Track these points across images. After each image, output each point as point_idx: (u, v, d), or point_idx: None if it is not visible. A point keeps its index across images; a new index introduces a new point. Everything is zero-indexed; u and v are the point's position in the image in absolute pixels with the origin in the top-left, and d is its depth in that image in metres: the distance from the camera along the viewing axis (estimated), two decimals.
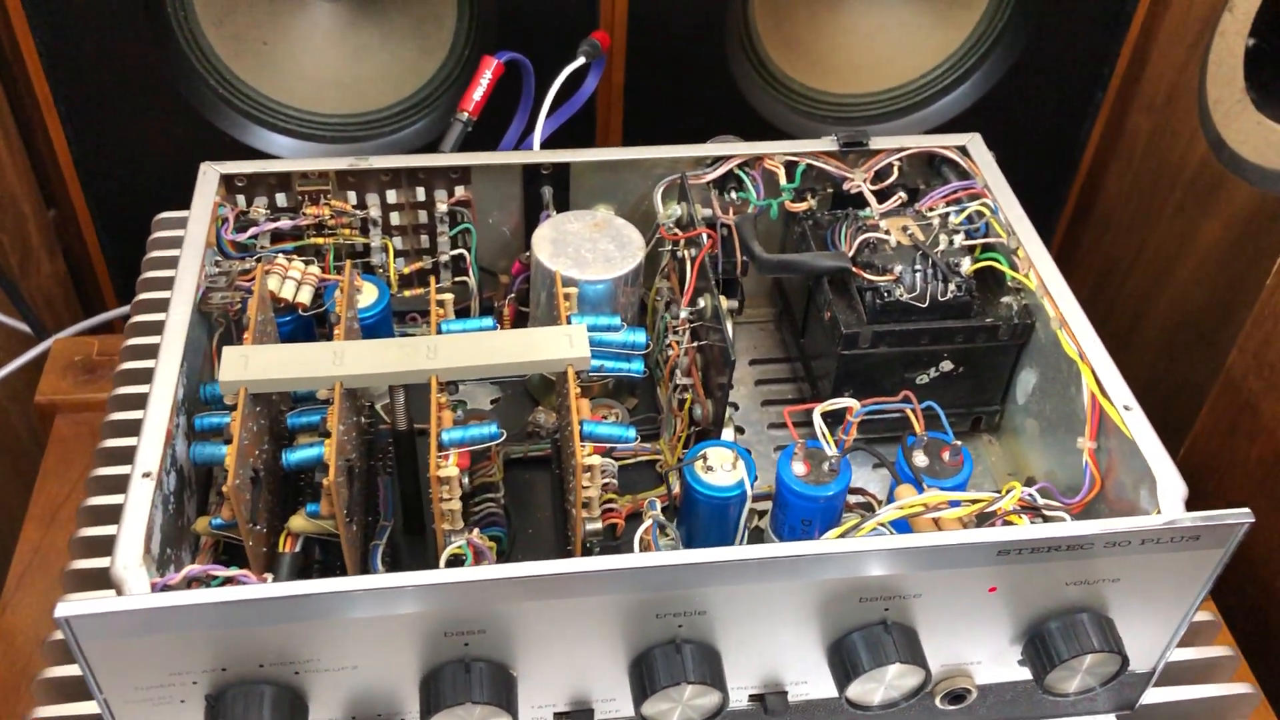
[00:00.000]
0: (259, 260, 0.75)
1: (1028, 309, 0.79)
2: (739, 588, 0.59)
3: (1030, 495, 0.66)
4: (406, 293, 0.85)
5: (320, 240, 0.82)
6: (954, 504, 0.66)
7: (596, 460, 0.65)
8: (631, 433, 0.67)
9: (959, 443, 0.72)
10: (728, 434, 0.78)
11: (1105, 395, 0.68)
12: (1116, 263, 1.47)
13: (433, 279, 0.77)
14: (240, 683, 0.58)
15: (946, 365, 0.80)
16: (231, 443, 0.63)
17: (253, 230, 0.80)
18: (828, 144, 0.85)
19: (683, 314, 0.76)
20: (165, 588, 0.58)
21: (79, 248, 1.33)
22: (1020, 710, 0.70)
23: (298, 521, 0.66)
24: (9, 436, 1.28)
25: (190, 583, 0.58)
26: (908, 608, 0.62)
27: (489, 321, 0.72)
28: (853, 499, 0.75)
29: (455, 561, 0.63)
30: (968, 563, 0.59)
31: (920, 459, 0.72)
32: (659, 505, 0.68)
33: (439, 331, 0.71)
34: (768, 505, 0.74)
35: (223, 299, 0.75)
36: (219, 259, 0.78)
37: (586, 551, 0.70)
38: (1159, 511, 0.62)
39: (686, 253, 0.79)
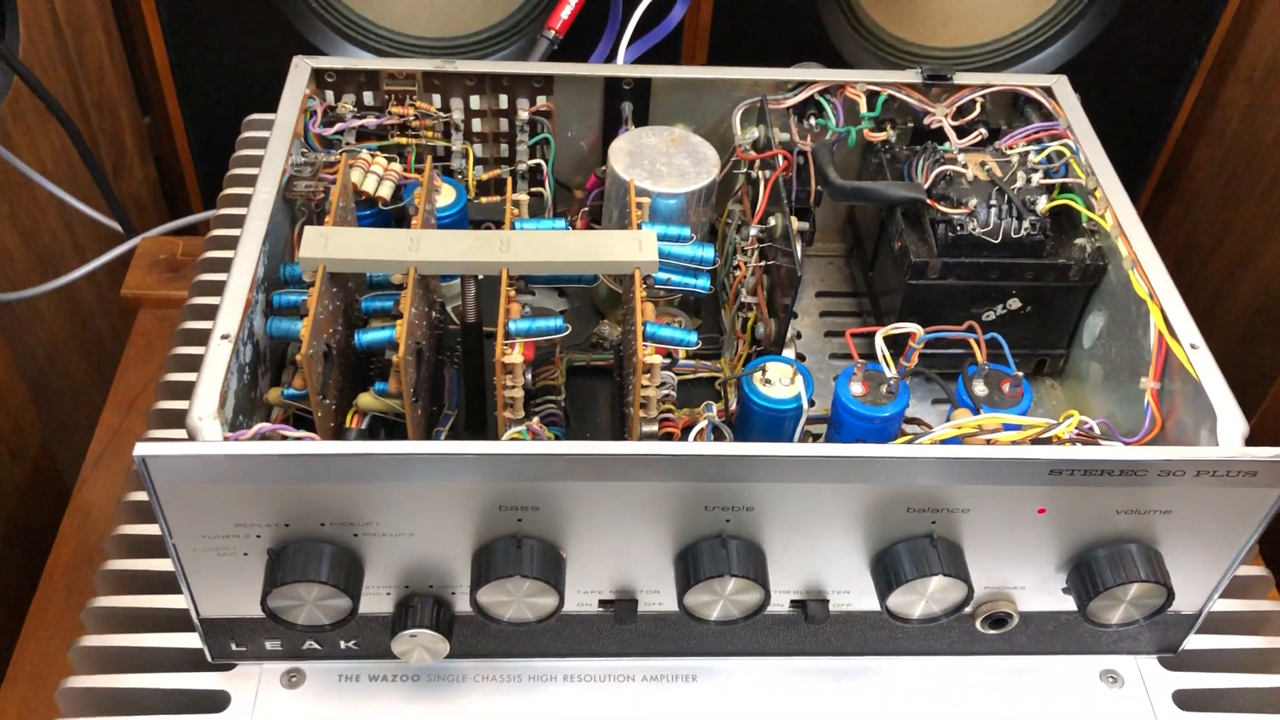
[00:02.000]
0: (344, 154, 0.77)
1: (1101, 251, 0.78)
2: (786, 486, 0.60)
3: (1090, 425, 0.66)
4: (483, 199, 0.87)
5: (403, 140, 0.84)
6: (1009, 428, 0.66)
7: (658, 359, 0.66)
8: (693, 337, 0.68)
9: (1020, 374, 0.71)
10: (790, 354, 0.78)
11: (1173, 334, 0.68)
12: (1198, 242, 1.45)
13: (509, 182, 0.79)
14: (301, 539, 0.60)
15: (1014, 303, 0.80)
16: (308, 316, 0.65)
17: (339, 125, 0.82)
18: (911, 76, 0.85)
19: (753, 231, 0.77)
20: (238, 440, 0.60)
21: (170, 154, 1.37)
22: (1060, 644, 0.70)
23: (366, 399, 0.68)
24: (93, 329, 1.33)
25: (261, 439, 0.61)
26: (955, 523, 0.62)
27: (561, 223, 0.73)
28: (910, 429, 0.75)
29: None
30: (1018, 479, 0.60)
31: (980, 388, 0.72)
32: (716, 406, 0.69)
33: (513, 229, 0.72)
34: (824, 430, 0.74)
35: (306, 188, 0.77)
36: (305, 150, 0.81)
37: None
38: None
39: (761, 174, 0.80)
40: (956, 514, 0.62)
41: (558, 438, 0.76)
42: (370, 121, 0.83)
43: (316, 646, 0.67)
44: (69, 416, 1.27)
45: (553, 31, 0.95)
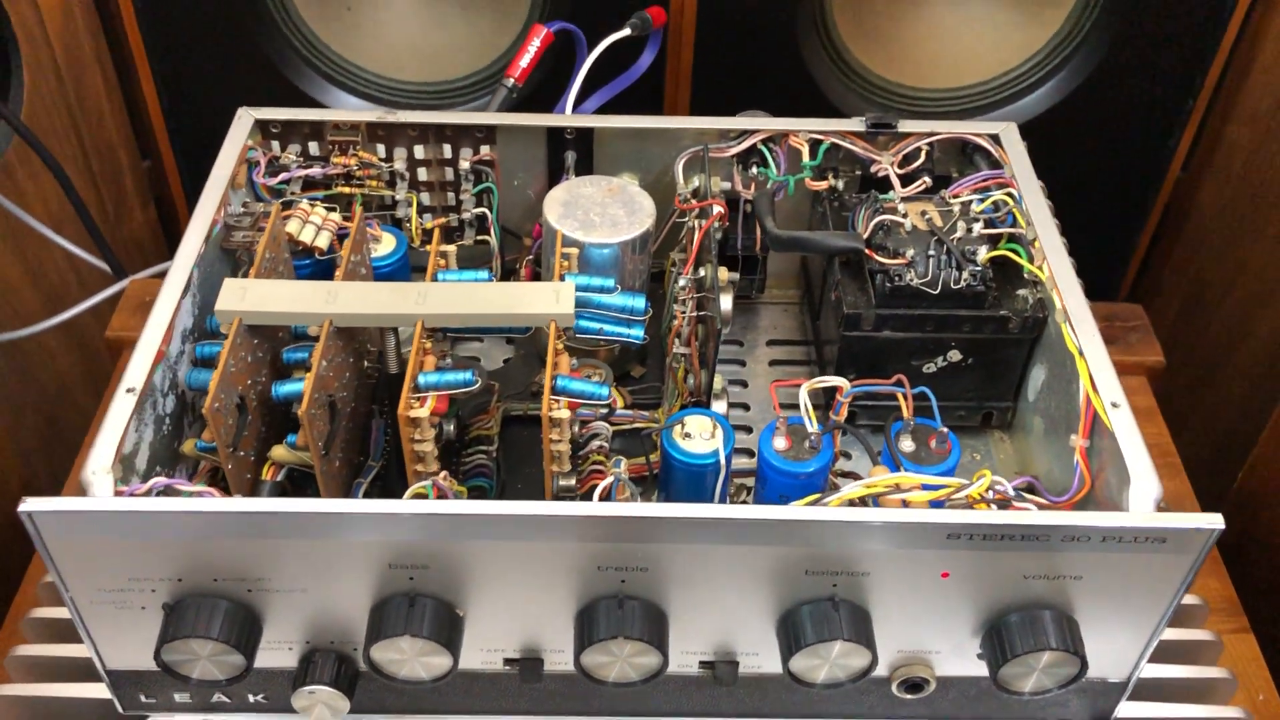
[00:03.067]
0: (278, 204, 0.78)
1: (1042, 303, 0.76)
2: (678, 547, 0.59)
3: (1004, 486, 0.64)
4: (428, 247, 0.87)
5: (348, 190, 0.84)
6: (927, 487, 0.65)
7: (565, 414, 0.66)
8: (605, 391, 0.68)
9: (946, 429, 0.70)
10: (720, 407, 0.77)
11: (1095, 390, 0.66)
12: (1208, 284, 1.41)
13: (436, 233, 0.78)
14: (195, 594, 0.61)
15: (955, 355, 0.79)
16: (217, 368, 0.65)
17: (284, 175, 0.83)
18: (856, 124, 0.84)
19: (682, 281, 0.76)
20: (131, 496, 0.60)
21: (168, 197, 1.40)
22: (985, 709, 0.68)
23: (279, 451, 0.69)
24: (101, 366, 1.35)
25: (156, 494, 0.61)
26: (857, 585, 0.61)
27: (484, 274, 0.73)
28: (843, 482, 0.74)
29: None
30: (915, 543, 0.58)
31: (906, 444, 0.70)
32: (624, 464, 0.68)
33: (434, 280, 0.72)
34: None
35: (244, 238, 0.78)
36: (248, 201, 0.82)
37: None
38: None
39: (697, 223, 0.79)
40: (858, 577, 0.60)
41: (484, 490, 0.76)
42: (315, 171, 0.83)
43: (225, 700, 0.67)
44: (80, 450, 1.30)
45: (511, 80, 0.96)
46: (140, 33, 1.21)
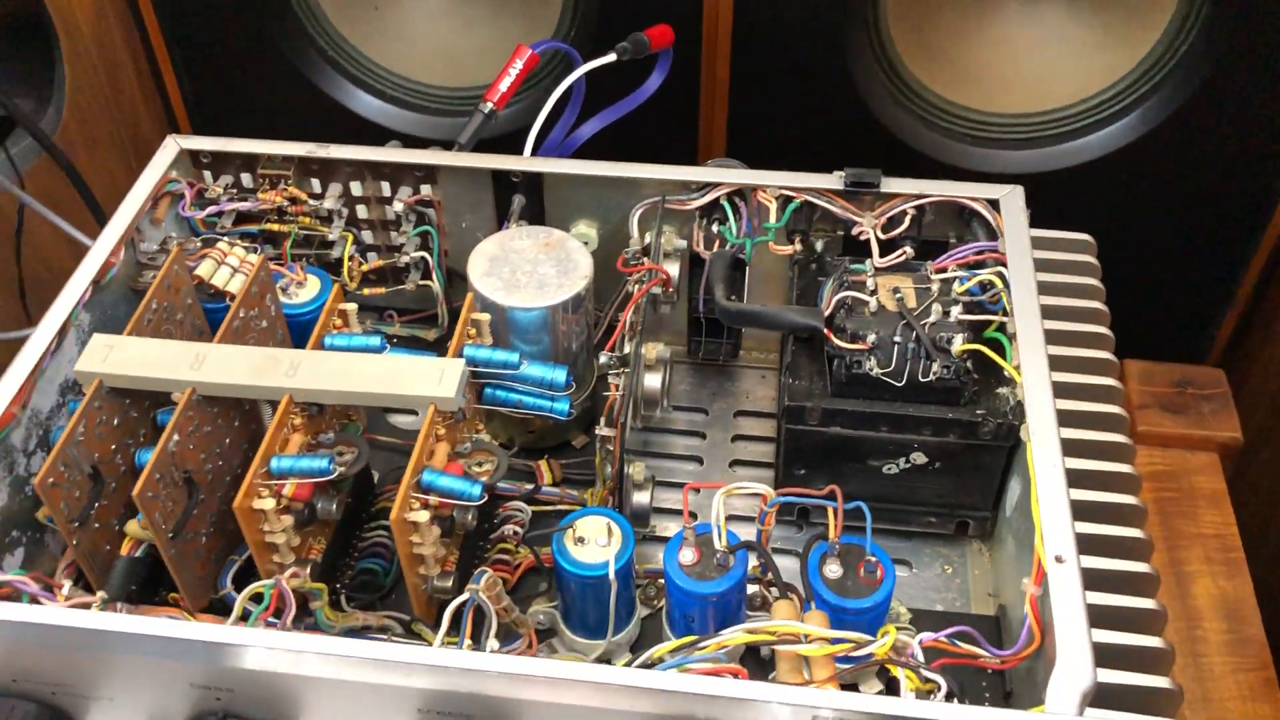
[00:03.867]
0: (179, 244, 0.72)
1: (1022, 407, 0.65)
2: (506, 701, 0.51)
3: (913, 645, 0.54)
4: (366, 290, 0.81)
5: (278, 227, 0.78)
6: (836, 640, 0.55)
7: (422, 516, 0.58)
8: (476, 490, 0.60)
9: (874, 558, 0.60)
10: (642, 497, 0.69)
11: (1042, 537, 0.55)
12: None
13: (335, 289, 0.70)
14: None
15: (919, 458, 0.68)
16: (62, 436, 0.60)
17: (212, 209, 0.77)
18: (834, 181, 0.74)
19: (602, 359, 0.67)
20: None
21: None
22: None
23: (131, 526, 0.63)
24: None
25: None
26: None
27: (376, 342, 0.66)
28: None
29: (254, 602, 0.58)
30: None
31: (832, 570, 0.60)
32: (485, 578, 0.60)
33: (321, 346, 0.66)
34: None
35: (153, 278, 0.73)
36: (173, 236, 0.76)
37: (430, 604, 0.63)
38: (1040, 702, 0.49)
39: (637, 287, 0.70)
40: None
41: (375, 573, 0.69)
42: (247, 205, 0.78)
43: None
44: None
45: (490, 104, 0.88)
46: (162, 30, 1.19)
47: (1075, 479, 0.71)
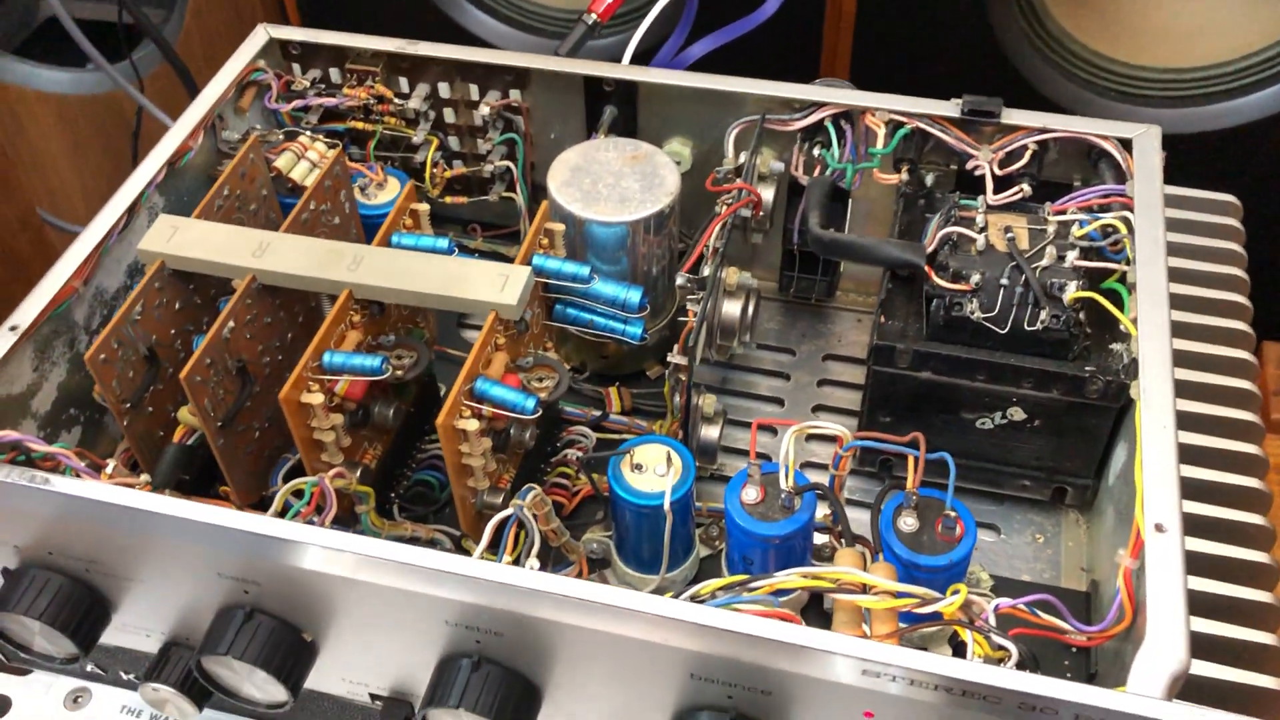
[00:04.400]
0: (256, 135, 0.70)
1: (1136, 364, 0.59)
2: (544, 622, 0.47)
3: (987, 610, 0.49)
4: (449, 199, 0.78)
5: (363, 125, 0.76)
6: (900, 593, 0.50)
7: (473, 425, 0.55)
8: (531, 403, 0.56)
9: (954, 513, 0.55)
10: (711, 431, 0.65)
11: (1142, 504, 0.49)
12: None
13: (409, 188, 0.67)
14: (36, 564, 0.55)
15: (1017, 414, 0.62)
16: (118, 312, 0.58)
17: (298, 102, 0.75)
18: (950, 108, 0.68)
19: (680, 279, 0.63)
20: None
21: None
22: None
23: (183, 412, 0.62)
24: None
25: (11, 449, 0.55)
26: (757, 702, 0.47)
27: (444, 244, 0.63)
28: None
29: (296, 497, 0.56)
30: (822, 671, 0.45)
31: (907, 522, 0.56)
32: (531, 495, 0.57)
33: (388, 244, 0.63)
34: None
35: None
36: (256, 127, 0.74)
37: (480, 520, 0.60)
38: (1124, 683, 0.44)
39: (724, 208, 0.66)
40: (755, 694, 0.47)
41: (431, 487, 0.66)
42: (334, 101, 0.75)
43: (99, 671, 0.62)
44: None
45: (594, 16, 0.83)
46: None
47: (1193, 455, 0.64)
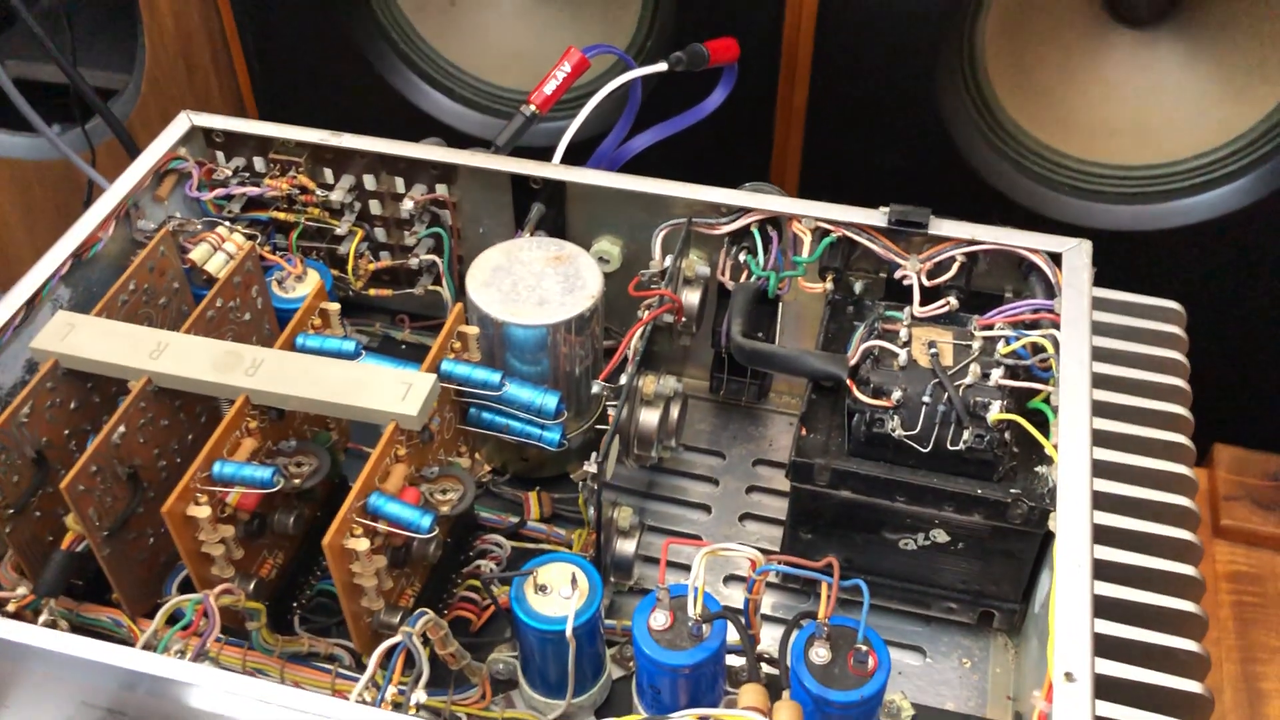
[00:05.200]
0: (167, 225, 0.68)
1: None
2: None
3: None
4: (373, 291, 0.76)
5: (285, 216, 0.74)
6: None
7: (362, 545, 0.53)
8: (428, 521, 0.54)
9: (866, 646, 0.52)
10: (627, 545, 0.62)
11: (1052, 648, 0.47)
12: None
13: (317, 285, 0.64)
14: None
15: (940, 536, 0.60)
16: (7, 410, 0.56)
17: (220, 191, 0.74)
18: (878, 217, 0.66)
19: (595, 388, 0.61)
20: None
21: None
22: None
23: (71, 519, 0.59)
24: None
25: None
26: None
27: (351, 346, 0.61)
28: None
29: (172, 619, 0.53)
30: None
31: (819, 654, 0.53)
32: (421, 621, 0.54)
33: (294, 347, 0.61)
34: None
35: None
36: (174, 216, 0.73)
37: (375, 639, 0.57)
38: None
39: (646, 312, 0.64)
40: None
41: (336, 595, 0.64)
42: (255, 190, 0.73)
43: None
44: None
45: (532, 107, 0.82)
46: (235, 12, 1.17)
47: (1126, 575, 0.62)
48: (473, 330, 0.62)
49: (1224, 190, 1.03)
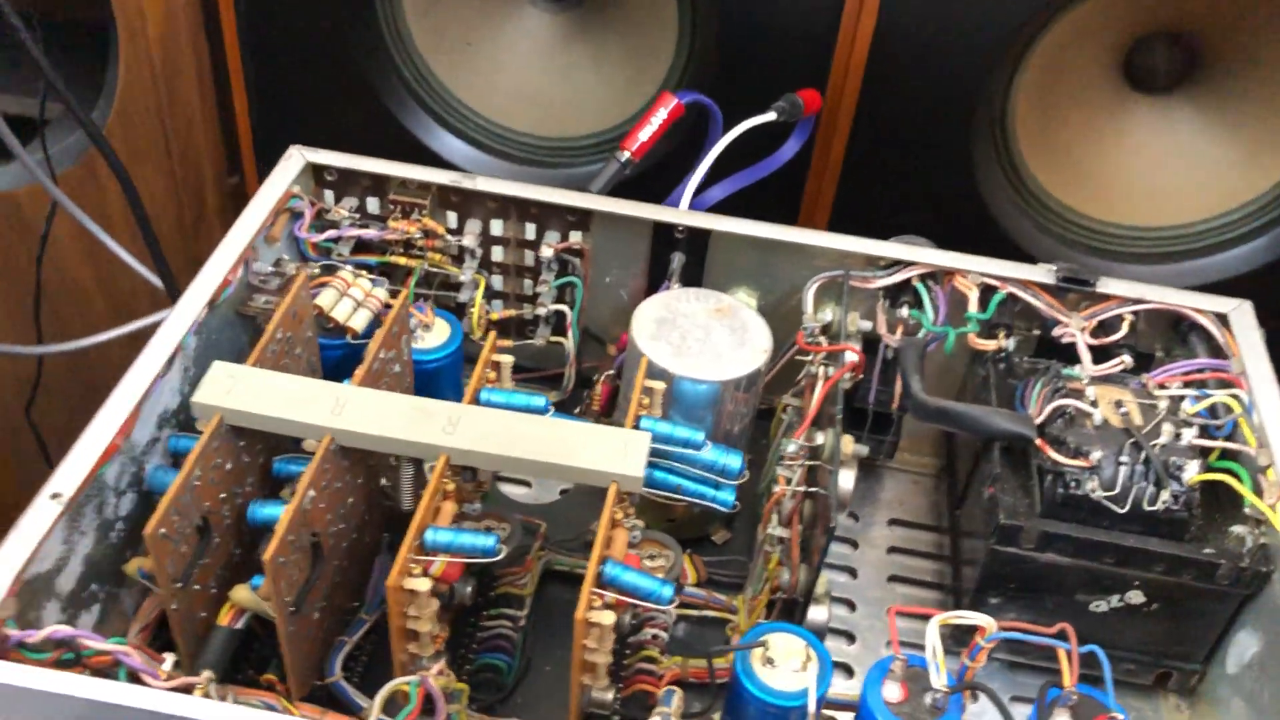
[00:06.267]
0: (302, 269, 0.63)
1: (1266, 551, 0.57)
2: None
3: None
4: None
5: (405, 260, 0.69)
6: None
7: (607, 619, 0.49)
8: (668, 591, 0.51)
9: (1117, 718, 0.51)
10: (819, 615, 0.60)
11: None
12: None
13: (491, 337, 0.60)
14: None
15: (1136, 597, 0.60)
16: (176, 480, 0.50)
17: (331, 233, 0.69)
18: (1042, 273, 0.66)
19: (791, 448, 0.59)
20: (20, 645, 0.45)
21: None
22: None
23: (240, 593, 0.53)
24: None
25: (56, 646, 0.46)
26: None
27: (541, 402, 0.57)
28: None
29: (392, 706, 0.48)
30: None
31: None
32: (675, 699, 0.51)
33: (476, 401, 0.57)
34: None
35: (266, 304, 0.64)
36: (285, 259, 0.67)
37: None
38: None
39: (822, 370, 0.62)
40: None
41: (499, 670, 0.59)
42: (370, 234, 0.69)
43: None
44: None
45: (626, 154, 0.80)
46: (240, 40, 1.10)
47: None
48: (659, 385, 0.59)
49: (1237, 252, 1.07)
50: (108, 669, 0.46)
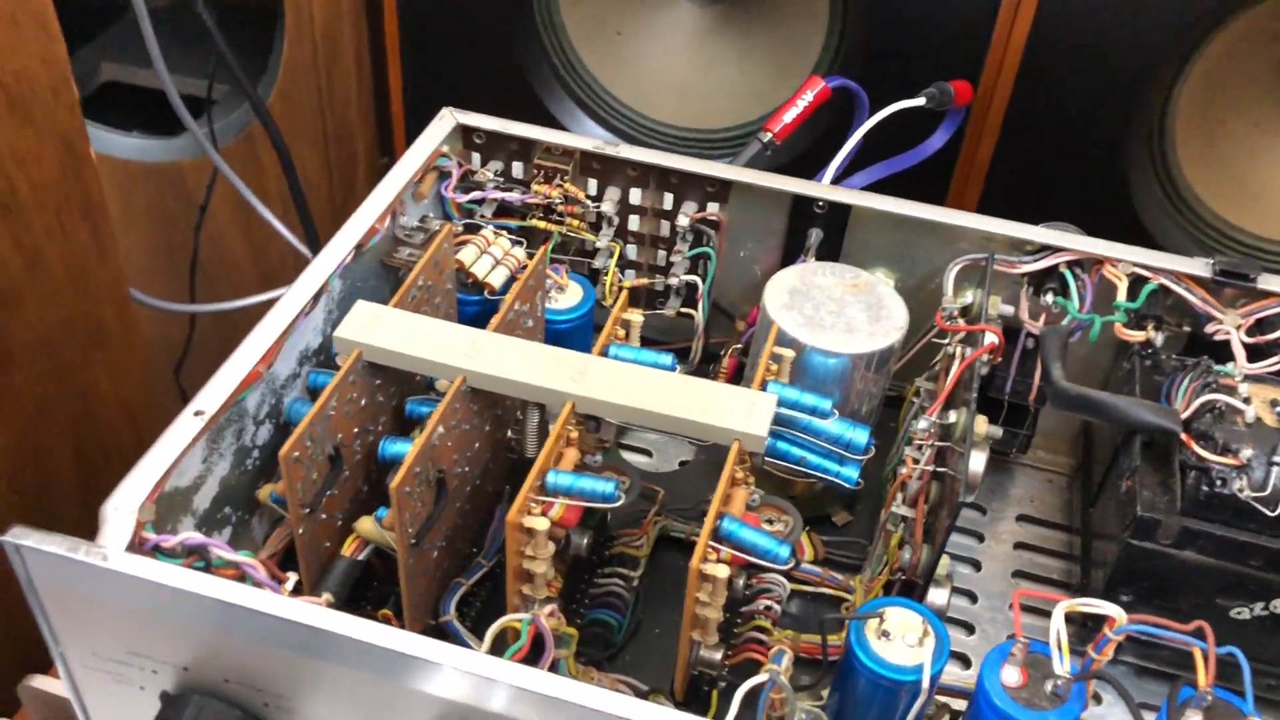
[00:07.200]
0: (449, 225, 0.64)
1: None
2: None
3: None
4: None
5: (544, 225, 0.70)
6: None
7: (721, 572, 0.48)
8: (784, 551, 0.50)
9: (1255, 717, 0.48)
10: (939, 597, 0.58)
11: None
12: None
13: (623, 295, 0.61)
14: (200, 691, 0.47)
15: None
16: (313, 408, 0.52)
17: (476, 194, 0.70)
18: (1198, 266, 0.63)
19: (923, 423, 0.57)
20: (155, 548, 0.47)
21: None
22: None
23: (365, 524, 0.55)
24: None
25: (188, 553, 0.48)
26: None
27: (668, 360, 0.57)
28: None
29: (499, 642, 0.49)
30: None
31: None
32: (786, 658, 0.50)
33: (604, 354, 0.57)
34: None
35: (410, 255, 0.66)
36: (430, 215, 0.69)
37: (696, 685, 0.53)
38: None
39: (960, 351, 0.61)
40: None
41: (609, 626, 0.59)
42: (513, 196, 0.70)
43: None
44: None
45: (769, 134, 0.80)
46: (399, 24, 1.14)
47: None
48: (788, 353, 0.58)
49: None
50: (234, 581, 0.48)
